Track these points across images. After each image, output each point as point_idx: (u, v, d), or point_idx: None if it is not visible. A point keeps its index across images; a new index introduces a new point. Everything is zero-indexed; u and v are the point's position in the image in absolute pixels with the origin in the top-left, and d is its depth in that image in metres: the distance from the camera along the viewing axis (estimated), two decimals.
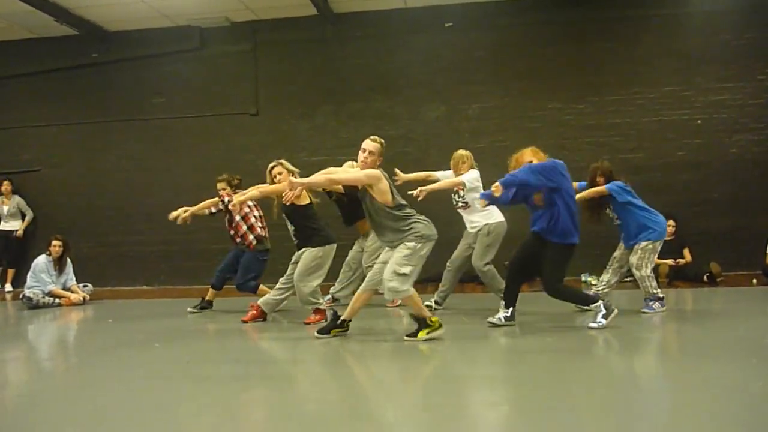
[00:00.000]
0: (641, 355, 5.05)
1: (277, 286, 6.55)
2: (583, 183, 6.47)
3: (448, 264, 7.00)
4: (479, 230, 6.73)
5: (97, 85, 10.99)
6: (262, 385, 4.38)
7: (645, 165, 9.61)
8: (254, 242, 7.37)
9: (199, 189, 9.52)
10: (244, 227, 7.37)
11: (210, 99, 10.72)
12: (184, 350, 5.48)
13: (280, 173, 6.34)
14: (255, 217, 7.46)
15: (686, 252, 9.15)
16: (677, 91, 9.76)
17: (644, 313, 6.25)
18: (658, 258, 9.02)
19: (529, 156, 5.68)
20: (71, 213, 10.86)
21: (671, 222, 9.22)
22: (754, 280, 8.56)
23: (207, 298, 7.58)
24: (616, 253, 6.55)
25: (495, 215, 6.72)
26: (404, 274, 5.13)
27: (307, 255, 6.25)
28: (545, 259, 5.56)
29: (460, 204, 6.85)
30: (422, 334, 5.20)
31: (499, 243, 6.73)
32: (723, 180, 9.62)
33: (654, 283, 6.32)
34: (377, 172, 5.31)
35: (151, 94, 10.89)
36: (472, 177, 6.69)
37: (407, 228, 5.24)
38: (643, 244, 6.25)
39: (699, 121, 9.73)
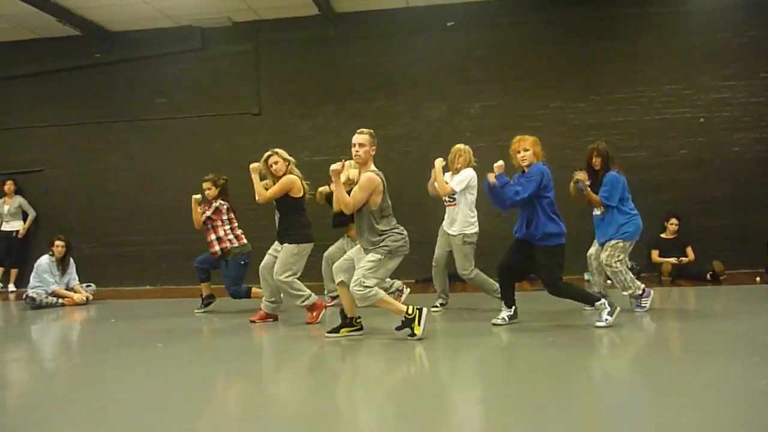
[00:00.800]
0: (644, 353, 5.04)
1: (261, 282, 6.60)
2: None
3: (434, 263, 6.97)
4: (455, 236, 6.71)
5: (100, 85, 11.00)
6: (266, 386, 4.39)
7: (647, 163, 9.61)
8: (218, 252, 7.32)
9: (201, 189, 9.50)
10: (213, 236, 7.34)
11: (212, 99, 10.73)
12: (187, 350, 5.49)
13: (276, 162, 6.34)
14: (225, 230, 7.38)
15: (689, 250, 9.14)
16: (679, 90, 9.76)
17: (638, 311, 6.21)
18: (661, 256, 9.09)
19: (530, 145, 5.66)
20: (74, 213, 10.88)
21: (674, 220, 9.24)
22: (758, 279, 8.54)
23: (204, 294, 7.58)
24: (592, 251, 6.56)
25: (472, 225, 6.70)
26: (369, 287, 5.22)
27: (284, 251, 6.27)
28: (538, 264, 5.61)
29: (448, 200, 6.79)
30: (417, 329, 5.22)
31: (474, 247, 6.73)
32: (725, 178, 9.61)
33: (629, 276, 6.25)
34: (372, 179, 5.33)
35: (153, 94, 10.90)
36: (461, 179, 6.66)
37: (381, 238, 5.33)
38: (613, 242, 6.21)
39: (701, 120, 9.72)
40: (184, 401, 3.84)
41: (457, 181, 6.67)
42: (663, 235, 9.28)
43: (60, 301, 8.56)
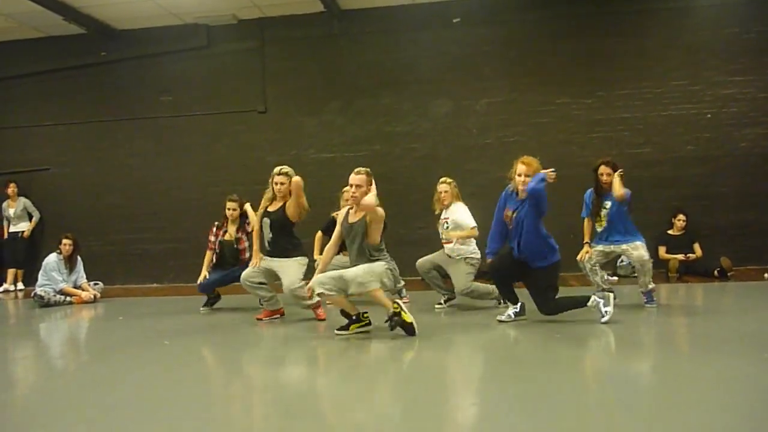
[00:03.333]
0: (651, 349, 5.03)
1: (248, 290, 6.66)
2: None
3: (417, 268, 6.95)
4: (458, 255, 6.69)
5: (105, 83, 11.03)
6: (272, 384, 4.39)
7: (654, 159, 9.58)
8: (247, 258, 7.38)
9: (207, 187, 9.56)
10: (248, 255, 7.37)
11: (218, 97, 10.74)
12: (194, 347, 5.51)
13: (282, 183, 6.38)
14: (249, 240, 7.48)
15: (696, 247, 9.12)
16: (686, 85, 9.72)
17: (648, 307, 6.24)
18: (668, 253, 9.08)
19: (533, 171, 5.54)
20: (81, 211, 10.91)
21: (681, 216, 9.22)
22: (766, 275, 8.49)
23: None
24: (584, 255, 6.52)
25: (476, 252, 6.72)
26: (363, 283, 5.30)
27: (294, 264, 6.38)
28: (532, 285, 5.65)
29: (443, 237, 6.81)
30: (406, 317, 5.29)
31: (476, 269, 6.75)
32: (733, 174, 9.57)
33: (649, 276, 6.31)
34: (382, 214, 5.44)
35: (159, 92, 10.92)
36: (467, 214, 6.67)
37: (374, 259, 5.47)
38: (640, 242, 6.28)
39: (708, 115, 9.68)
40: (193, 398, 3.85)
41: (464, 217, 6.66)
42: (670, 232, 9.26)
43: (68, 299, 8.59)
